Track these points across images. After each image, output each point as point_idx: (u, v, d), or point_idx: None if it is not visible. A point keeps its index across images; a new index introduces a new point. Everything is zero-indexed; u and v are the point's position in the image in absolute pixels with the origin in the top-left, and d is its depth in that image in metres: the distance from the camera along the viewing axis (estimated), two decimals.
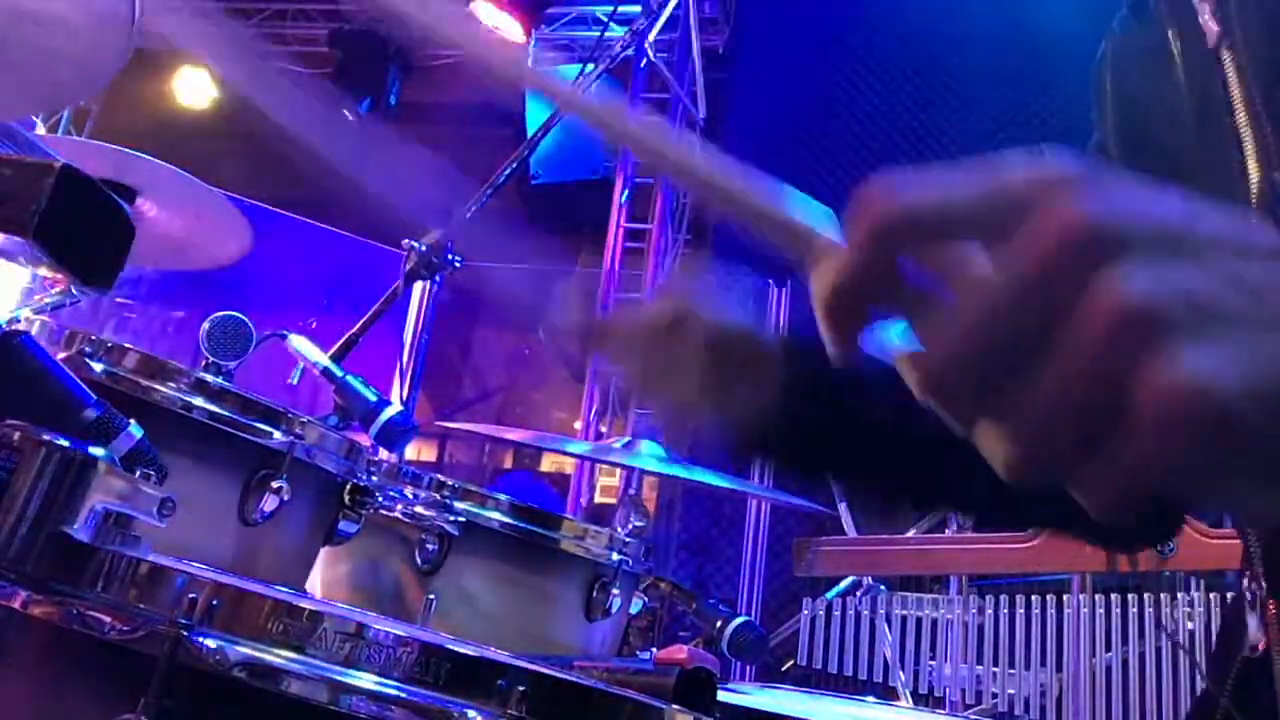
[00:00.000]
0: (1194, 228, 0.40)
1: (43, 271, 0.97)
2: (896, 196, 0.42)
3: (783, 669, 3.88)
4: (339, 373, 1.73)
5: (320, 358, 1.76)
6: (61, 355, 1.31)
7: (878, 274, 0.42)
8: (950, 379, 0.40)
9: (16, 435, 0.84)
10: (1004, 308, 0.39)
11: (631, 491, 2.11)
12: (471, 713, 0.76)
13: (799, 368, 1.01)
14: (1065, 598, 3.05)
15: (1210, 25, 0.78)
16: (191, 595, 0.79)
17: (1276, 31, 0.74)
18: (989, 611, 3.15)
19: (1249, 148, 0.74)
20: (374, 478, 1.63)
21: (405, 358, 2.19)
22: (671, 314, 0.96)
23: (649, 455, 2.00)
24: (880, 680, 3.25)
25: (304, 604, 0.86)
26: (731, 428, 1.03)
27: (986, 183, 0.44)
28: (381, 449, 1.70)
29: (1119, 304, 0.37)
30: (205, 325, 1.68)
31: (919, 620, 3.25)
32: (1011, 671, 3.08)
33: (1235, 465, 0.37)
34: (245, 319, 1.71)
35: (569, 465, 6.61)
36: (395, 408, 1.69)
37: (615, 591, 1.78)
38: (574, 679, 0.85)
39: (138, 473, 1.00)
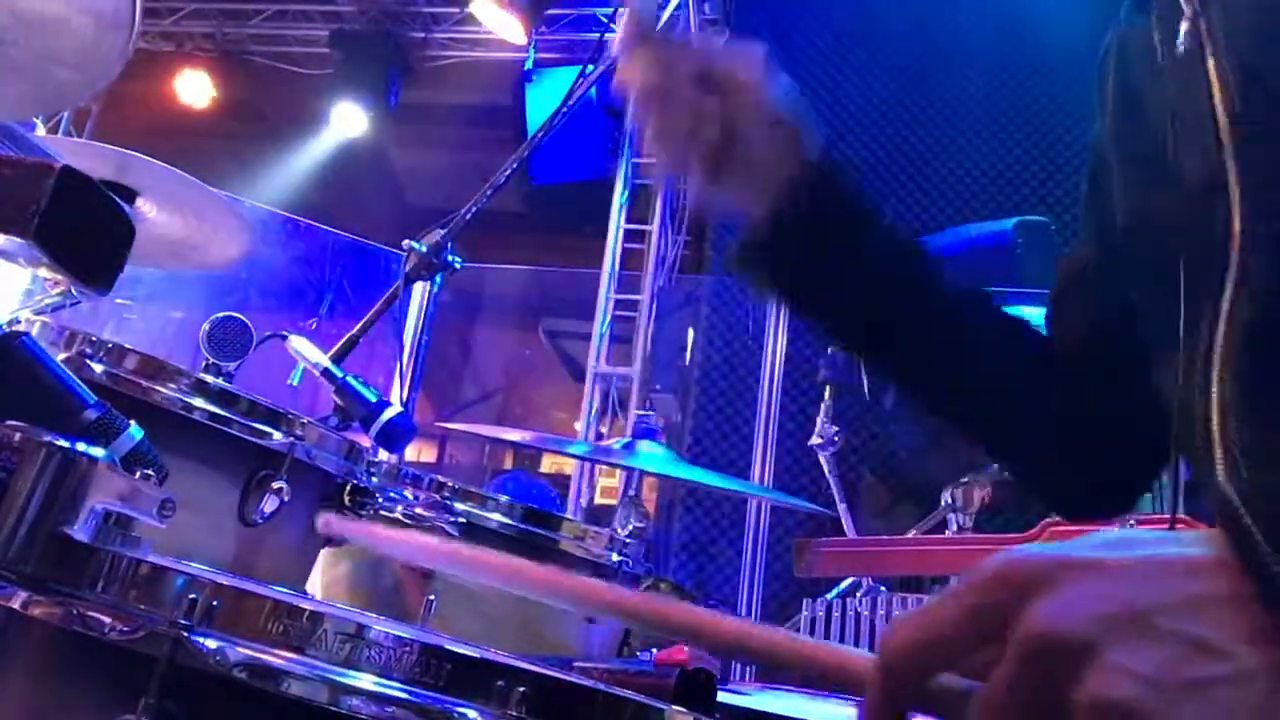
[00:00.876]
0: (1144, 609, 0.49)
1: (43, 272, 0.97)
2: (901, 648, 0.54)
3: (783, 670, 3.88)
4: (339, 373, 1.73)
5: (320, 358, 1.76)
6: (61, 355, 1.31)
7: (902, 700, 0.54)
8: None
9: (16, 435, 0.84)
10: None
11: (631, 492, 2.11)
12: (471, 713, 0.76)
13: (827, 194, 1.05)
14: None
15: (1187, 24, 0.79)
16: (191, 596, 0.79)
17: (1265, 41, 0.74)
18: None
19: (1229, 159, 0.74)
20: (374, 478, 1.63)
21: (405, 358, 2.19)
22: (715, 68, 0.97)
23: (649, 456, 2.00)
24: None
25: (304, 604, 0.86)
26: (745, 214, 1.04)
27: (963, 610, 0.53)
28: (381, 450, 1.70)
29: (1102, 702, 0.47)
30: (205, 325, 1.68)
31: None
32: None
33: None
34: (245, 319, 1.71)
35: (569, 465, 6.61)
36: (395, 408, 1.69)
37: None
38: (574, 679, 0.85)
39: (138, 473, 1.00)
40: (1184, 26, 0.78)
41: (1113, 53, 0.95)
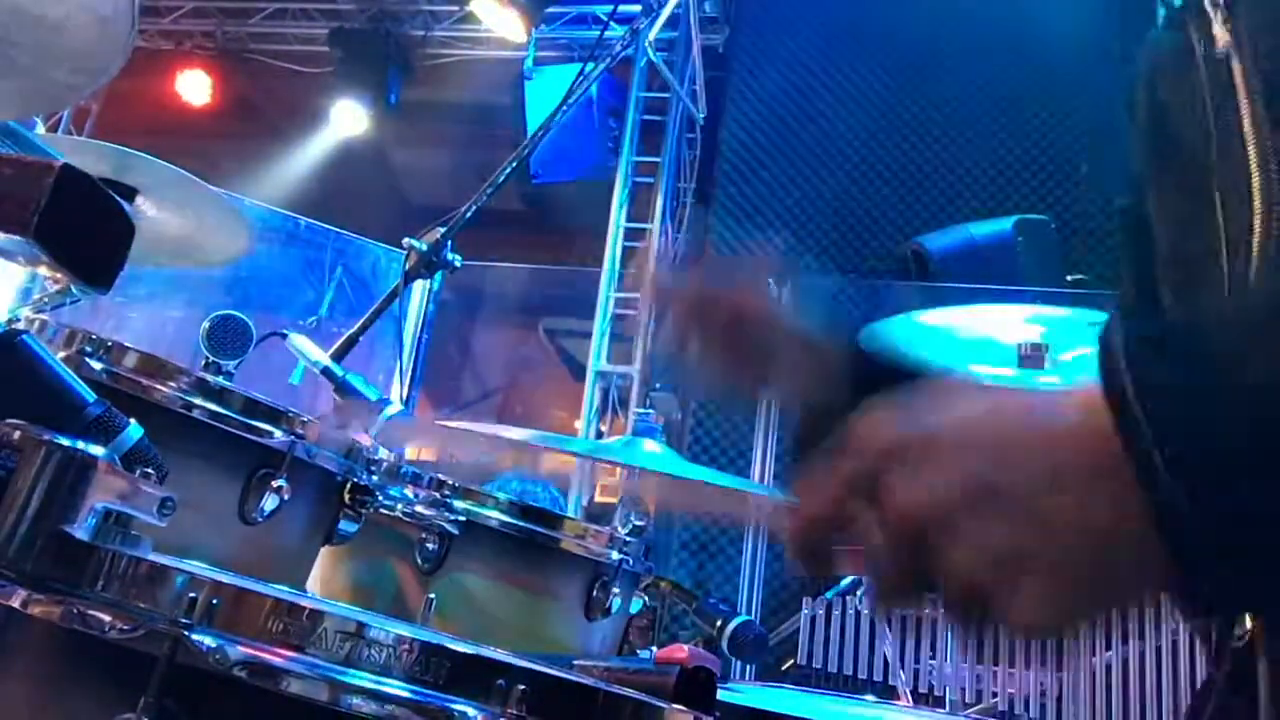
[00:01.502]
0: (991, 487, 0.56)
1: (43, 271, 0.97)
2: (802, 523, 0.64)
3: (783, 669, 3.88)
4: (339, 372, 1.73)
5: (320, 357, 1.76)
6: (61, 355, 1.31)
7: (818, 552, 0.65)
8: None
9: (16, 435, 0.84)
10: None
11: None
12: (471, 712, 0.76)
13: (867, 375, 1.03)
14: None
15: (1221, 36, 0.79)
16: (191, 595, 0.79)
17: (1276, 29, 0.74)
18: None
19: (1250, 154, 0.74)
20: (374, 477, 1.63)
21: (405, 357, 2.19)
22: (735, 303, 0.99)
23: (649, 455, 2.00)
24: (880, 680, 3.25)
25: (304, 604, 0.86)
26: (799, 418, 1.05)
27: (839, 482, 0.62)
28: (381, 448, 1.70)
29: (960, 570, 0.57)
30: (205, 325, 1.68)
31: (919, 620, 3.25)
32: (1011, 671, 3.08)
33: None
34: (245, 319, 1.71)
35: (569, 465, 6.61)
36: (395, 407, 1.69)
37: (615, 591, 1.78)
38: (574, 679, 0.85)
39: (138, 472, 1.00)
40: (1216, 32, 0.79)
41: (1142, 71, 0.95)
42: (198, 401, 1.38)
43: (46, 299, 1.62)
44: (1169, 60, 0.89)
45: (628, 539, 1.84)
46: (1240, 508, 0.52)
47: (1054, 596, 0.55)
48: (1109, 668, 2.94)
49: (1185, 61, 0.85)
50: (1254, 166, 0.73)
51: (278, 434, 1.43)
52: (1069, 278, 5.12)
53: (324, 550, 1.61)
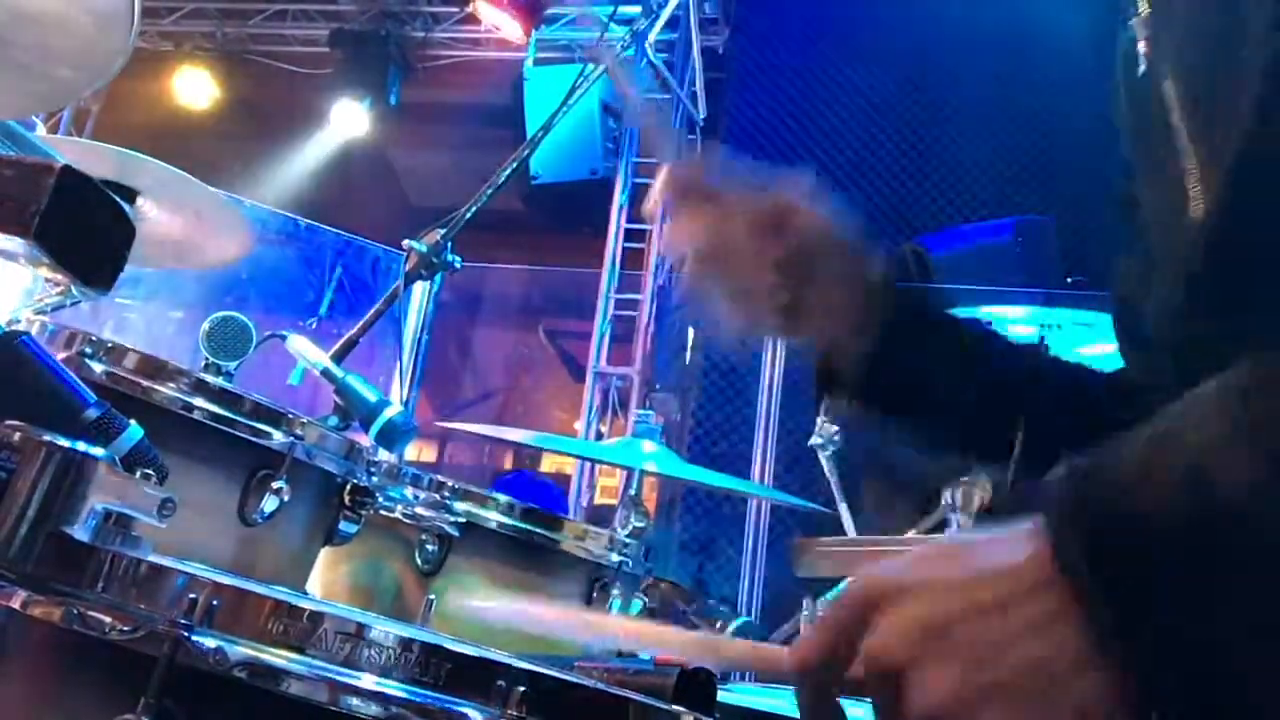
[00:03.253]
0: (947, 624, 0.59)
1: (43, 272, 0.97)
2: (801, 662, 0.65)
3: None
4: (339, 373, 1.73)
5: (320, 358, 1.76)
6: (61, 355, 1.31)
7: (821, 693, 0.66)
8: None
9: (16, 435, 0.84)
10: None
11: (631, 492, 2.11)
12: (471, 713, 0.76)
13: (904, 308, 1.00)
14: None
15: (1142, 46, 0.81)
16: (191, 595, 0.79)
17: (1202, 61, 0.76)
18: None
19: (1190, 174, 0.77)
20: (374, 478, 1.63)
21: (405, 358, 2.19)
22: (771, 207, 0.93)
23: (649, 455, 2.00)
24: None
25: (304, 604, 0.86)
26: (814, 350, 1.01)
27: (831, 629, 0.64)
28: (381, 449, 1.70)
29: (919, 712, 0.59)
30: (205, 325, 1.68)
31: None
32: None
33: None
34: (245, 319, 1.71)
35: (569, 465, 6.61)
36: (395, 408, 1.69)
37: (615, 592, 1.78)
38: (574, 679, 0.85)
39: (138, 473, 1.00)
40: (1140, 47, 0.81)
41: (1120, 57, 0.96)
42: (198, 402, 1.38)
43: (47, 300, 1.62)
44: (1129, 55, 0.91)
45: (627, 540, 1.84)
46: (1177, 636, 0.55)
47: None
48: None
49: (1136, 61, 0.87)
50: (1193, 180, 0.76)
51: (278, 435, 1.43)
52: (1069, 278, 5.12)
53: (324, 551, 1.61)
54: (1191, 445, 0.57)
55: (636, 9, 3.62)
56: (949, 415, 1.04)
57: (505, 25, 6.57)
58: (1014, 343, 1.10)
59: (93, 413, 1.07)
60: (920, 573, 0.62)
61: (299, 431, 1.46)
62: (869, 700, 0.64)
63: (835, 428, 3.88)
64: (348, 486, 1.55)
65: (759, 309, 0.97)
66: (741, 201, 0.94)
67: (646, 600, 1.92)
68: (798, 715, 0.67)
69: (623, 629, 0.95)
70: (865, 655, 0.62)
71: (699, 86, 6.54)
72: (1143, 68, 0.82)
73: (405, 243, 2.15)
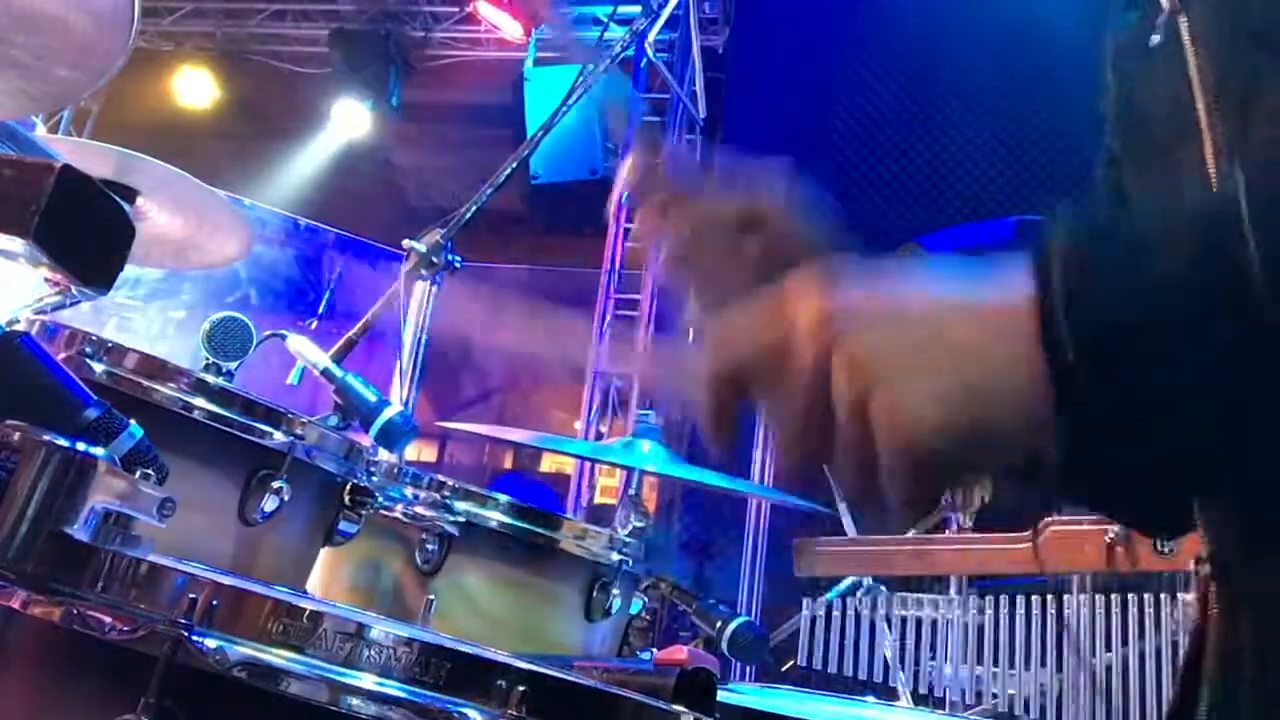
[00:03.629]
0: (907, 309, 0.57)
1: (43, 272, 0.97)
2: (719, 356, 0.62)
3: (783, 669, 3.88)
4: (339, 373, 1.72)
5: (320, 358, 1.76)
6: (61, 355, 1.31)
7: (726, 403, 0.63)
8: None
9: (16, 435, 0.84)
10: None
11: (631, 491, 2.11)
12: (471, 713, 0.76)
13: None
14: (1065, 598, 3.04)
15: (1166, 17, 0.80)
16: (191, 595, 0.79)
17: (1232, 42, 0.75)
18: (989, 611, 3.14)
19: (1206, 143, 0.75)
20: (374, 478, 1.63)
21: (405, 358, 2.19)
22: (749, 208, 0.91)
23: (649, 455, 2.00)
24: (880, 680, 3.25)
25: (304, 604, 0.86)
26: None
27: (771, 309, 0.61)
28: (381, 449, 1.70)
29: (842, 369, 0.55)
30: (205, 325, 1.68)
31: (919, 620, 3.25)
32: (1011, 671, 3.08)
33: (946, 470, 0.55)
34: (245, 320, 1.71)
35: (569, 465, 6.61)
36: (395, 408, 1.69)
37: (615, 591, 1.78)
38: (574, 679, 0.85)
39: (138, 473, 1.00)
40: (1162, 19, 0.80)
41: (1109, 56, 0.96)
42: (198, 402, 1.38)
43: (47, 300, 1.62)
44: (1130, 40, 0.90)
45: (627, 540, 1.84)
46: (1137, 389, 0.53)
47: (933, 402, 0.54)
48: (1109, 668, 2.94)
49: (1143, 44, 0.86)
50: (1211, 167, 0.75)
51: (277, 435, 1.43)
52: None
53: (324, 551, 1.61)
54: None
55: (636, 9, 3.62)
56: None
57: (505, 25, 6.57)
58: None
59: (93, 413, 1.07)
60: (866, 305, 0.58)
61: (299, 431, 1.46)
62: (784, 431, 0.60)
63: None
64: (348, 486, 1.55)
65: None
66: (710, 194, 0.92)
67: (646, 600, 1.92)
68: (797, 716, 0.66)
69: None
70: (803, 322, 0.57)
71: (699, 86, 6.54)
72: (1156, 39, 0.81)
73: (405, 243, 2.15)
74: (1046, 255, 0.56)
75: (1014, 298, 0.55)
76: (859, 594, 3.44)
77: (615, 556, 1.79)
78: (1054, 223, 0.58)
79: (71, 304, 1.67)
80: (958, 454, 0.54)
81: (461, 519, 1.70)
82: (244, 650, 0.77)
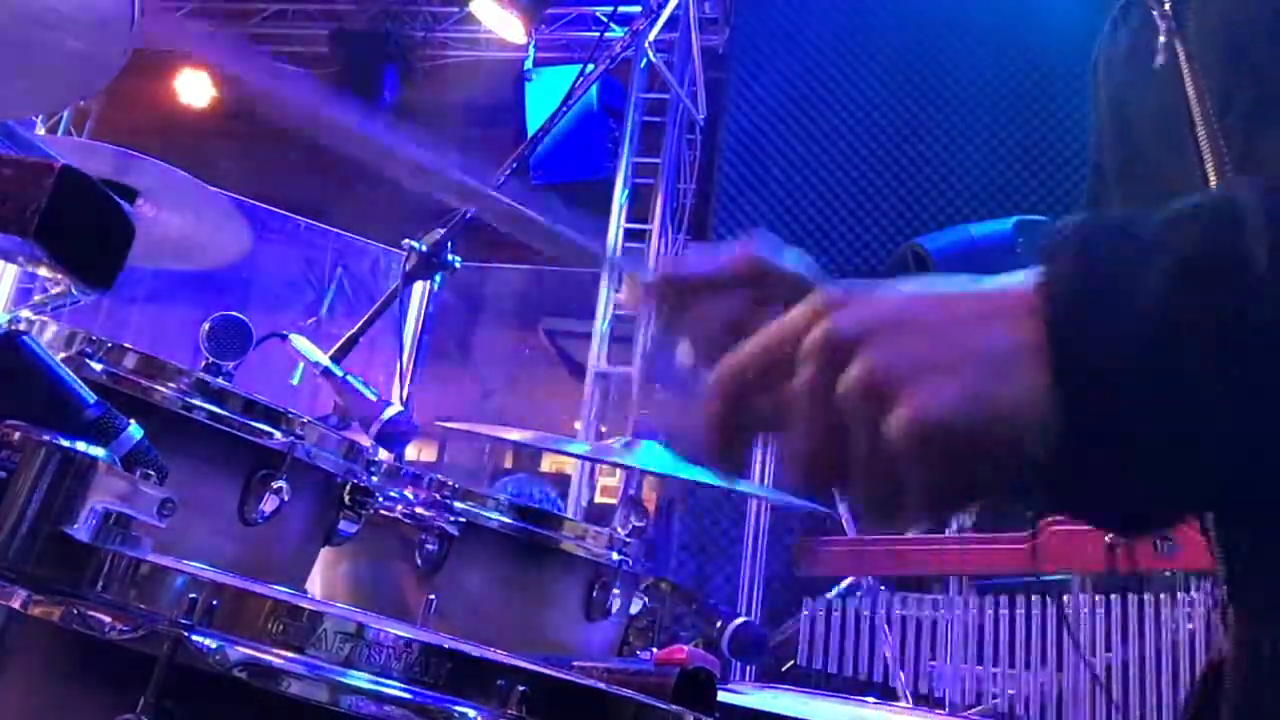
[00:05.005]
0: (914, 313, 0.56)
1: (43, 271, 0.97)
2: (726, 379, 0.60)
3: (783, 669, 3.88)
4: (339, 373, 1.73)
5: (320, 358, 1.76)
6: (61, 355, 1.31)
7: (736, 414, 0.61)
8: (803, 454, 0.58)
9: (16, 435, 0.84)
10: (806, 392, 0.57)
11: (631, 491, 2.11)
12: (471, 713, 0.76)
13: None
14: (1065, 598, 3.04)
15: (1165, 47, 0.80)
16: (191, 595, 0.79)
17: (1235, 58, 0.75)
18: (989, 611, 3.14)
19: (1207, 159, 0.75)
20: (374, 478, 1.63)
21: (405, 358, 2.19)
22: (750, 268, 0.92)
23: (649, 455, 2.00)
24: (880, 680, 3.24)
25: (304, 604, 0.86)
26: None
27: (776, 331, 0.60)
28: (381, 449, 1.70)
29: (856, 380, 0.54)
30: (205, 325, 1.68)
31: (919, 620, 3.25)
32: (1011, 671, 3.08)
33: (967, 478, 0.54)
34: (245, 319, 1.71)
35: (569, 465, 6.61)
36: (395, 408, 1.69)
37: (615, 591, 1.78)
38: (574, 679, 0.85)
39: (138, 473, 1.00)
40: (1160, 40, 0.80)
41: (1099, 66, 0.96)
42: (198, 402, 1.38)
43: (47, 300, 1.62)
44: (1119, 57, 0.90)
45: (627, 540, 1.84)
46: (1141, 403, 0.52)
47: (950, 408, 0.52)
48: (1109, 668, 2.94)
49: (1132, 61, 0.86)
50: (1213, 183, 0.74)
51: (278, 435, 1.43)
52: None
53: (324, 551, 1.61)
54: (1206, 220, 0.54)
55: (636, 8, 3.62)
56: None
57: (505, 25, 6.57)
58: None
59: (93, 413, 1.07)
60: (879, 318, 0.57)
61: (299, 431, 1.46)
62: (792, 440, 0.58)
63: None
64: (348, 486, 1.55)
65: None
66: (715, 272, 0.95)
67: (646, 600, 1.92)
68: (797, 716, 0.66)
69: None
70: (810, 340, 0.56)
71: (699, 86, 6.54)
72: (1164, 61, 0.80)
73: (405, 242, 2.15)
74: (1053, 264, 0.56)
75: (1021, 302, 0.55)
76: (859, 594, 3.44)
77: (615, 556, 1.79)
78: (1056, 228, 0.58)
79: (71, 304, 1.67)
80: (975, 461, 0.53)
81: (461, 519, 1.70)
82: (244, 650, 0.77)
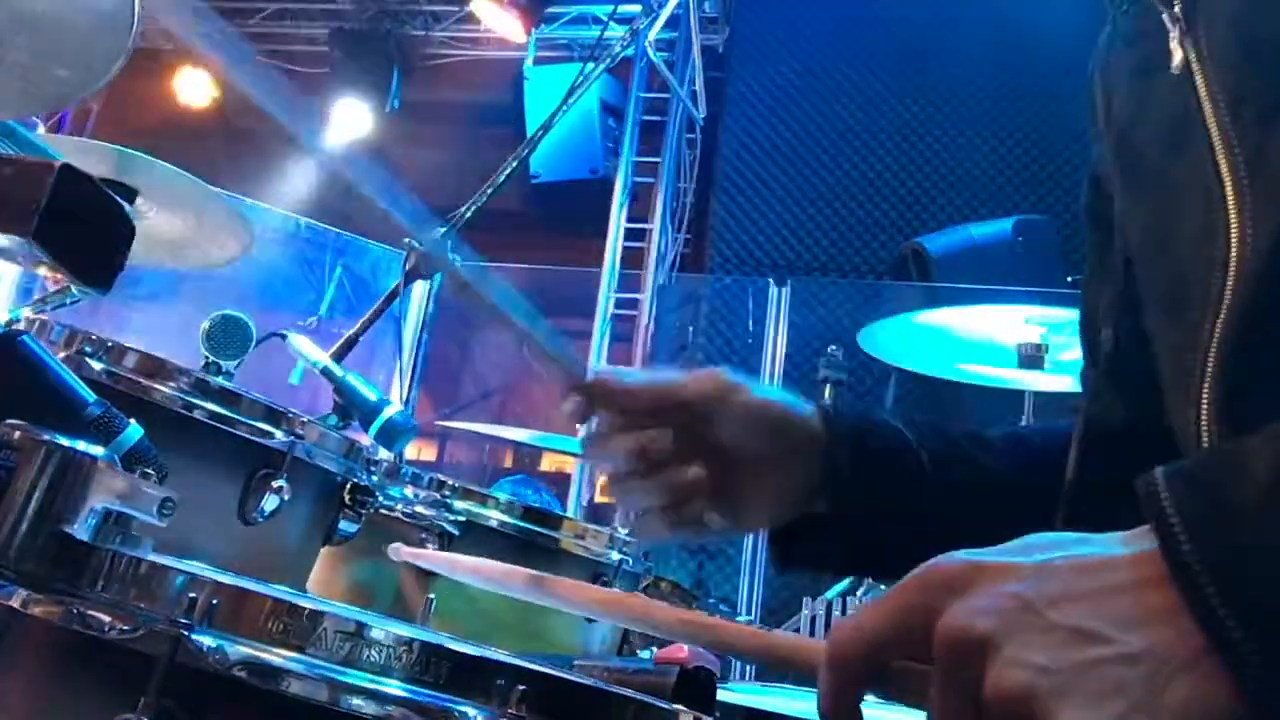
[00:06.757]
0: (1037, 603, 0.54)
1: (43, 271, 0.97)
2: (842, 646, 0.59)
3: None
4: (339, 372, 1.73)
5: (320, 357, 1.76)
6: (61, 355, 1.31)
7: (852, 691, 0.59)
8: None
9: (16, 435, 0.84)
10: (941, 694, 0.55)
11: None
12: (471, 712, 0.76)
13: (853, 454, 0.98)
14: None
15: (1176, 49, 0.79)
16: (191, 595, 0.79)
17: (1248, 60, 0.74)
18: None
19: (1221, 161, 0.74)
20: (374, 477, 1.63)
21: (405, 358, 2.19)
22: (692, 387, 0.93)
23: None
24: None
25: (304, 604, 0.86)
26: (771, 523, 0.99)
27: (891, 612, 0.58)
28: (381, 449, 1.70)
29: (1002, 692, 0.52)
30: (205, 325, 1.68)
31: None
32: None
33: None
34: (245, 319, 1.71)
35: (569, 465, 6.61)
36: (395, 407, 1.69)
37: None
38: (574, 679, 0.85)
39: (138, 473, 1.00)
40: (1172, 47, 0.79)
41: (1097, 76, 0.95)
42: (198, 402, 1.38)
43: (47, 299, 1.62)
44: (1122, 66, 0.89)
45: (627, 539, 1.84)
46: None
47: None
48: None
49: (1140, 65, 0.85)
50: (1227, 183, 0.73)
51: (278, 434, 1.43)
52: (1069, 278, 5.13)
53: (324, 550, 1.61)
54: None
55: (636, 8, 3.62)
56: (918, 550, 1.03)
57: (505, 24, 6.57)
58: (981, 438, 1.04)
59: (93, 412, 1.07)
60: (1002, 559, 0.57)
61: (299, 431, 1.46)
62: (914, 702, 0.58)
63: None
64: (348, 486, 1.56)
65: (692, 512, 0.97)
66: (657, 400, 0.95)
67: None
68: (797, 715, 0.66)
69: (588, 598, 0.89)
70: (938, 635, 0.55)
71: (699, 86, 6.54)
72: (1175, 64, 0.80)
73: (405, 242, 2.15)
74: (1179, 548, 0.53)
75: (1163, 599, 0.53)
76: (859, 594, 3.44)
77: (615, 555, 1.79)
78: (1164, 490, 0.55)
79: (71, 304, 1.67)
80: None
81: (461, 519, 1.70)
82: (244, 650, 0.77)
